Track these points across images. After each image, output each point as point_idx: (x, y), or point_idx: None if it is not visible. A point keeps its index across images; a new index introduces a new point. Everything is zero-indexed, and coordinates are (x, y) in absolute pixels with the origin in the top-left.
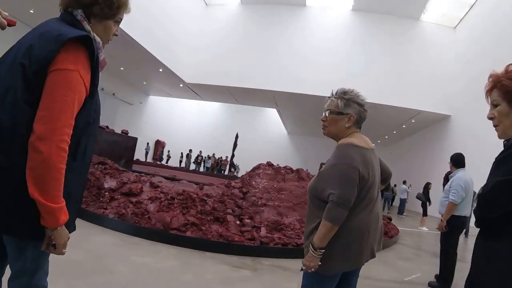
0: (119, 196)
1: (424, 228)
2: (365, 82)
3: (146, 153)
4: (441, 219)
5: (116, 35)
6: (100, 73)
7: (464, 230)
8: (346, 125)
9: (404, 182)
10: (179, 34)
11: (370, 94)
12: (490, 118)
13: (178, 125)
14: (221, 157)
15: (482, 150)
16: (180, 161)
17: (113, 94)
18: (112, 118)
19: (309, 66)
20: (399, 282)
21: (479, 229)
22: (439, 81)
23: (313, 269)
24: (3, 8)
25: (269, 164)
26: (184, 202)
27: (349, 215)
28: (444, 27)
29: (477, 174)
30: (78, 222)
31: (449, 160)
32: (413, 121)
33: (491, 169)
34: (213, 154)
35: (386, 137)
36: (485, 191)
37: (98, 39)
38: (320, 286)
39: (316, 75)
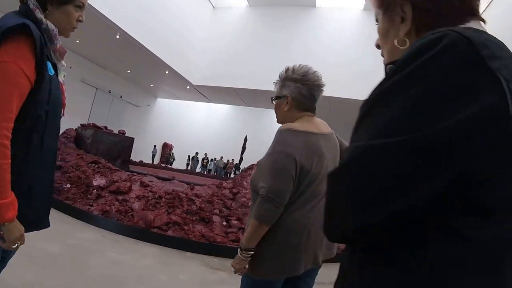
0: (106, 194)
1: None
2: (377, 81)
3: (153, 156)
4: None
5: (80, 21)
6: (63, 62)
7: None
8: (285, 109)
9: None
10: (186, 37)
11: None
12: (377, 46)
13: (186, 128)
14: (228, 160)
15: None
16: (187, 164)
17: (120, 96)
18: (119, 120)
19: (318, 67)
20: None
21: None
22: None
23: (240, 273)
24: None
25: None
26: (171, 202)
27: (283, 213)
28: None
29: None
30: (64, 217)
31: None
32: None
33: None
34: (221, 157)
35: None
36: (343, 164)
37: (52, 26)
38: None
39: (325, 75)
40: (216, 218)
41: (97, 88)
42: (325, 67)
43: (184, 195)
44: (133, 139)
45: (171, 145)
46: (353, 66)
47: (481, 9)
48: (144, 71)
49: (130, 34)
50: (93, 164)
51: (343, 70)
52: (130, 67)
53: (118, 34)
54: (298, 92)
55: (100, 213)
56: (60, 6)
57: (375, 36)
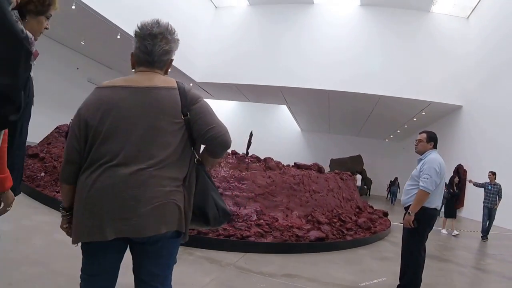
0: None
1: (455, 231)
2: (375, 76)
3: None
4: (408, 212)
5: (47, 28)
6: (34, 62)
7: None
8: (132, 68)
9: None
10: (188, 35)
11: (380, 87)
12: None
13: None
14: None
15: (495, 140)
16: None
17: None
18: None
19: (317, 62)
20: None
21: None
22: (450, 71)
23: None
24: None
25: (234, 153)
26: None
27: (80, 174)
28: (456, 18)
29: (494, 161)
30: (31, 202)
31: (458, 151)
32: (423, 113)
33: None
34: None
35: (398, 131)
36: None
37: (30, 35)
38: (83, 256)
39: (324, 70)
40: None
41: None
42: (324, 61)
43: None
44: None
45: None
46: (351, 60)
47: (470, 9)
48: None
49: (130, 33)
50: None
51: (341, 64)
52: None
53: (119, 34)
54: (136, 47)
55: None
56: (36, 16)
57: (371, 31)
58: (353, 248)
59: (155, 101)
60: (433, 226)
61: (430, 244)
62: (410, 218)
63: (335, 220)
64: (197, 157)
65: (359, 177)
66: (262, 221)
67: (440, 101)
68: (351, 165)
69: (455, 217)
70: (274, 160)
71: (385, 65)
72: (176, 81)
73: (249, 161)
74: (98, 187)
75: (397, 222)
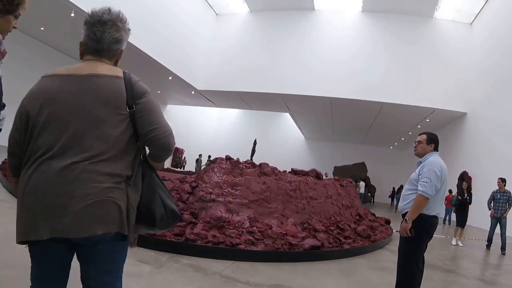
0: None
1: (460, 243)
2: (378, 83)
3: None
4: (405, 219)
5: (15, 27)
6: (2, 61)
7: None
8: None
9: None
10: (190, 43)
11: (384, 94)
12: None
13: (198, 132)
14: None
15: (500, 148)
16: (196, 167)
17: None
18: None
19: (318, 69)
20: None
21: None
22: (454, 78)
23: None
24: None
25: (228, 158)
26: None
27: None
28: (460, 24)
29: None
30: (9, 198)
31: (462, 159)
32: (427, 120)
33: None
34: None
35: (402, 139)
36: None
37: None
38: (30, 258)
39: (325, 77)
40: None
41: None
42: (326, 68)
43: None
44: None
45: (182, 149)
46: (353, 67)
47: (473, 15)
48: (148, 78)
49: (129, 41)
50: None
51: (343, 71)
52: (136, 75)
53: None
54: (85, 35)
55: None
56: (5, 15)
57: (373, 37)
58: (350, 257)
59: (95, 89)
60: (432, 236)
61: (433, 254)
62: (407, 226)
63: (333, 228)
64: (143, 153)
65: (362, 184)
66: (254, 228)
67: (445, 108)
68: (355, 173)
69: (463, 227)
70: (278, 168)
71: (388, 72)
72: (124, 71)
73: (244, 167)
74: (33, 183)
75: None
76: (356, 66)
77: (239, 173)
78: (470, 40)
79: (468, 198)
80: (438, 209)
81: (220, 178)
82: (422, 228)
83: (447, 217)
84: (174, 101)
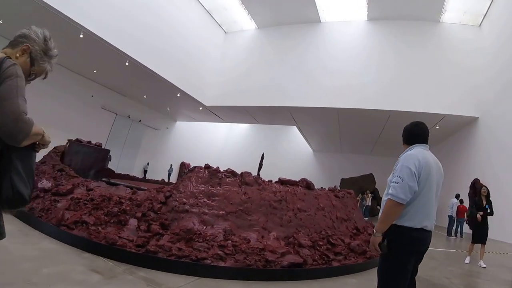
0: (48, 195)
1: (482, 264)
2: (385, 91)
3: (169, 174)
4: (373, 231)
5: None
6: None
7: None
8: None
9: (457, 196)
10: (199, 62)
11: (391, 102)
12: None
13: (205, 147)
14: None
15: None
16: None
17: (139, 120)
18: (138, 143)
19: (325, 80)
20: None
21: None
22: (464, 82)
23: None
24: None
25: (206, 167)
26: (98, 204)
27: None
28: (468, 26)
29: None
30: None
31: (474, 166)
32: (437, 127)
33: None
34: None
35: None
36: None
37: None
38: None
39: (332, 88)
40: (132, 222)
41: (116, 114)
42: (333, 78)
43: (117, 198)
44: (108, 150)
45: (189, 164)
46: (360, 77)
47: (481, 15)
48: (158, 95)
49: (138, 60)
50: (59, 172)
51: (350, 81)
52: (146, 93)
53: (127, 61)
54: None
55: (27, 209)
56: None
57: (380, 45)
58: (339, 276)
59: None
60: (421, 256)
61: (440, 270)
62: (375, 240)
63: (321, 243)
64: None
65: (369, 196)
66: (229, 242)
67: (455, 114)
68: (363, 184)
69: (485, 243)
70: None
71: (395, 80)
72: (7, 57)
73: (223, 176)
74: None
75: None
76: (364, 75)
77: (217, 182)
78: (479, 42)
79: (487, 206)
80: (425, 220)
81: (197, 188)
82: (400, 245)
83: (459, 229)
84: (183, 117)
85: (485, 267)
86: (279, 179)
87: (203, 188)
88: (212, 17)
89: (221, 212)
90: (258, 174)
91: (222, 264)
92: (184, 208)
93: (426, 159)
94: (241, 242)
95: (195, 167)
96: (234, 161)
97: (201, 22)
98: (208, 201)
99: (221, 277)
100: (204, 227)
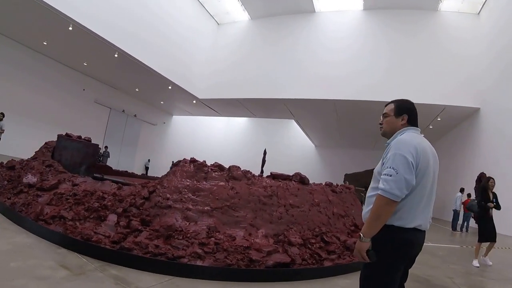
0: (31, 190)
1: (488, 261)
2: (383, 82)
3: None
4: (359, 236)
5: None
6: None
7: None
8: None
9: (462, 190)
10: (190, 53)
11: (389, 93)
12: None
13: (205, 143)
14: None
15: None
16: None
17: (135, 115)
18: (134, 138)
19: (320, 71)
20: None
21: None
22: (463, 72)
23: None
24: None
25: (192, 161)
26: (79, 199)
27: None
28: (466, 14)
29: None
30: None
31: (479, 159)
32: (439, 119)
33: None
34: None
35: None
36: None
37: None
38: None
39: (328, 79)
40: (112, 217)
41: (110, 108)
42: (328, 69)
43: (101, 193)
44: (97, 145)
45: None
46: (356, 67)
47: (480, 4)
48: (150, 88)
49: (127, 51)
50: (47, 167)
51: (346, 72)
52: (137, 86)
53: (116, 53)
54: None
55: (9, 204)
56: None
57: (376, 35)
58: (330, 277)
59: None
60: (413, 259)
61: (443, 269)
62: (361, 247)
63: (314, 241)
64: None
65: None
66: (212, 239)
67: (455, 105)
68: (367, 180)
69: (495, 240)
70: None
71: (393, 70)
72: None
73: (209, 170)
74: None
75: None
76: (359, 66)
77: (203, 177)
78: (477, 30)
79: (494, 200)
80: (419, 218)
81: (181, 182)
82: (388, 249)
83: (465, 224)
84: (179, 111)
85: (491, 265)
86: (270, 173)
87: (188, 183)
88: (205, 8)
89: (206, 208)
90: (262, 170)
91: (199, 263)
92: (167, 203)
93: (422, 146)
94: (225, 240)
95: (180, 160)
96: (234, 157)
97: (193, 14)
98: (193, 197)
99: (197, 277)
100: (187, 224)
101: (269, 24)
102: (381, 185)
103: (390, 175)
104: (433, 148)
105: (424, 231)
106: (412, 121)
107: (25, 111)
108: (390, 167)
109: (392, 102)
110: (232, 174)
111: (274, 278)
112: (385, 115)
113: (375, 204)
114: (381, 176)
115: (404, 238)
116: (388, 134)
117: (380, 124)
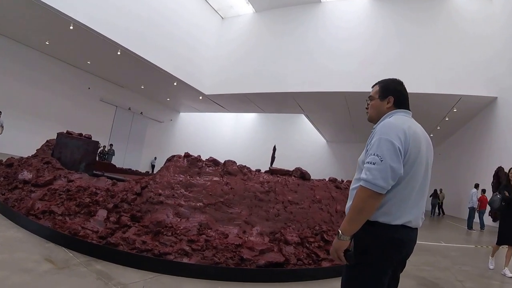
0: (26, 186)
1: (508, 273)
2: (394, 72)
3: None
4: (338, 233)
5: None
6: None
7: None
8: None
9: (476, 186)
10: (195, 49)
11: (404, 83)
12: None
13: (213, 139)
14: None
15: None
16: None
17: (141, 113)
18: (141, 136)
19: (328, 63)
20: None
21: None
22: (477, 59)
23: None
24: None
25: (186, 155)
26: (72, 194)
27: None
28: (479, 0)
29: None
30: None
31: (496, 152)
32: (455, 110)
33: None
34: None
35: (431, 135)
36: None
37: None
38: None
39: (337, 71)
40: (101, 213)
41: (117, 106)
42: (336, 61)
43: (94, 189)
44: (97, 142)
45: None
46: (365, 58)
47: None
48: (155, 85)
49: (130, 48)
50: (45, 164)
51: (356, 63)
52: (142, 83)
53: (119, 50)
54: None
55: (3, 200)
56: None
57: (385, 23)
58: (327, 278)
59: None
60: (404, 262)
61: (456, 270)
62: (339, 246)
63: (312, 240)
64: None
65: None
66: (203, 236)
67: (471, 94)
68: None
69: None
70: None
71: (404, 59)
72: None
73: (204, 165)
74: None
75: (421, 241)
76: (368, 56)
77: (196, 172)
78: (491, 16)
79: None
80: (407, 213)
81: (174, 178)
82: (373, 249)
83: (480, 222)
84: (186, 108)
85: (511, 277)
86: (269, 168)
87: (181, 178)
88: (208, 2)
89: (198, 204)
90: (271, 167)
91: (186, 260)
92: (159, 199)
93: (412, 130)
94: (216, 237)
95: (173, 155)
96: (245, 152)
97: (196, 8)
98: (185, 192)
99: (183, 275)
100: (179, 220)
101: (274, 16)
102: (363, 175)
103: (374, 163)
104: (427, 134)
105: (416, 228)
106: (400, 104)
107: (32, 110)
108: (374, 154)
109: (377, 83)
110: (227, 169)
111: (265, 279)
112: (370, 98)
113: (356, 196)
114: (364, 165)
115: (390, 237)
116: (375, 119)
117: (366, 108)
